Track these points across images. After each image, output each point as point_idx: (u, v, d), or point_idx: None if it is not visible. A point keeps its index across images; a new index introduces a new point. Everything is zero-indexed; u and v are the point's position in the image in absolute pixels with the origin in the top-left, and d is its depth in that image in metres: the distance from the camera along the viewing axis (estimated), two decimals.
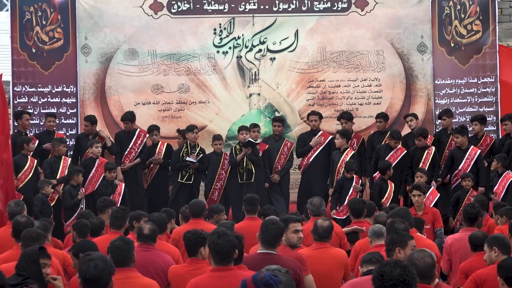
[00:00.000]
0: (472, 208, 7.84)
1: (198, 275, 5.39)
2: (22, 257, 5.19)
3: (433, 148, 11.65)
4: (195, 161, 11.64)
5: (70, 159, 11.68)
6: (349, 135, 11.87)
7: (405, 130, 12.50)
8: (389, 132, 11.86)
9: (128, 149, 12.05)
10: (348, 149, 11.61)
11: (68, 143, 12.27)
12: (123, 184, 11.39)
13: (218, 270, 5.15)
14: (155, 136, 12.11)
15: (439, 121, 12.44)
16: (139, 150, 12.07)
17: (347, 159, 11.33)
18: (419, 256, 4.86)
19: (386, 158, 11.43)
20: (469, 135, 11.81)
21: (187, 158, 11.65)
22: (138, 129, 12.17)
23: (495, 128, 12.76)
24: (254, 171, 11.76)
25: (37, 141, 11.76)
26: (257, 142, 11.79)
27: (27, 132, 11.98)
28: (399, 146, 11.65)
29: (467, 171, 11.23)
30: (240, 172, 11.76)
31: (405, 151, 11.63)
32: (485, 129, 12.31)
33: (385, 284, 3.87)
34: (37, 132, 12.41)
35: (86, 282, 4.32)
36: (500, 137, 12.42)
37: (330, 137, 12.14)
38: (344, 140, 11.57)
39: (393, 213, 7.26)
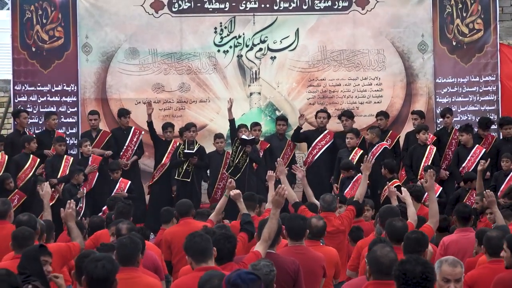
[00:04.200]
0: (465, 207, 7.70)
1: None
2: (23, 255, 5.16)
3: (434, 147, 11.64)
4: (193, 151, 11.60)
5: (72, 158, 11.63)
6: (359, 133, 11.93)
7: (406, 128, 12.58)
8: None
9: (125, 147, 12.05)
10: (357, 148, 11.57)
11: (68, 142, 12.28)
12: (129, 182, 11.39)
13: (201, 270, 4.96)
14: (169, 133, 12.07)
15: (440, 119, 12.44)
16: (135, 148, 12.09)
17: (356, 159, 11.26)
18: (383, 252, 4.62)
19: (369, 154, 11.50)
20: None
21: (185, 151, 11.63)
22: (133, 127, 12.19)
23: (496, 127, 12.64)
24: (242, 168, 11.70)
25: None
26: (249, 139, 11.70)
27: (25, 131, 11.93)
28: (381, 141, 11.75)
29: (471, 170, 11.20)
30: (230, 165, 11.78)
31: (384, 146, 11.66)
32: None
33: (409, 282, 3.96)
34: (36, 131, 12.38)
35: (93, 282, 4.32)
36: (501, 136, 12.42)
37: (332, 138, 12.14)
38: (358, 139, 11.58)
39: (382, 211, 7.24)
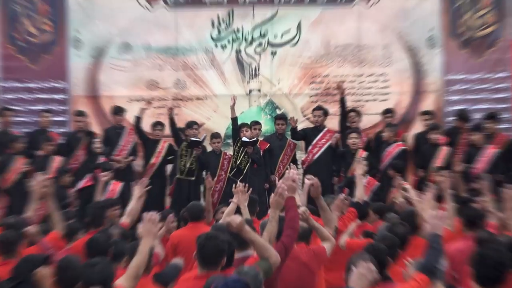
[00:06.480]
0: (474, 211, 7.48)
1: None
2: (23, 261, 5.11)
3: (449, 149, 11.28)
4: (199, 139, 11.30)
5: (61, 158, 11.26)
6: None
7: (414, 127, 12.43)
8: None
9: (120, 147, 11.70)
10: (360, 149, 11.17)
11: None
12: (121, 184, 10.95)
13: (201, 277, 4.92)
14: (159, 131, 11.71)
15: (449, 118, 12.22)
16: (129, 148, 11.76)
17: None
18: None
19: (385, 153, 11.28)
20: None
21: (192, 139, 11.32)
22: (128, 127, 11.86)
23: (510, 126, 12.47)
24: (244, 170, 11.37)
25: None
26: (250, 140, 11.39)
27: (6, 129, 11.58)
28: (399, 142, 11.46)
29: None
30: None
31: (402, 148, 11.31)
32: (499, 126, 11.95)
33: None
34: (25, 130, 12.02)
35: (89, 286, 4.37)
36: None
37: (335, 135, 11.76)
38: (361, 140, 11.27)
39: (403, 213, 7.07)
